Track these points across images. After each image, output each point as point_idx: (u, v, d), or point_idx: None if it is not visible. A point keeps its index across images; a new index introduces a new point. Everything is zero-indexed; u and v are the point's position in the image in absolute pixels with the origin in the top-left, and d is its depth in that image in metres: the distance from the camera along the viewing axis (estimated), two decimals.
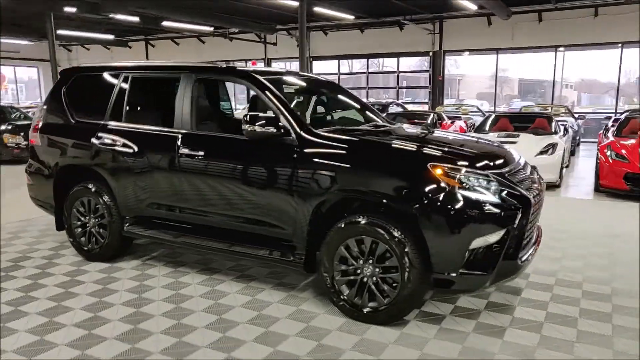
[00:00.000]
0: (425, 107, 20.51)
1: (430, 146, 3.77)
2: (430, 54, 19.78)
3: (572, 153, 12.85)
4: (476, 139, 4.53)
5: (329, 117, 5.03)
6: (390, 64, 23.55)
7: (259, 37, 22.34)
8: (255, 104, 4.16)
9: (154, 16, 15.47)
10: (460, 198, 3.32)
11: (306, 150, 3.75)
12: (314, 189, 3.67)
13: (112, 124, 4.68)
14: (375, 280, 3.54)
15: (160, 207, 4.48)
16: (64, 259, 5.00)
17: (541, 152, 8.57)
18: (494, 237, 3.35)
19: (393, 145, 3.80)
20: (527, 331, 3.50)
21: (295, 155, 3.76)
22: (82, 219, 4.87)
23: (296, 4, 10.23)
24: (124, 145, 4.53)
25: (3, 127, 11.31)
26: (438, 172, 3.37)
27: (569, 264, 4.82)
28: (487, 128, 10.23)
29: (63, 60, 28.52)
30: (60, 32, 18.90)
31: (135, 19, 15.93)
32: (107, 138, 4.63)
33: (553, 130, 9.84)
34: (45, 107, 5.18)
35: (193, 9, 15.07)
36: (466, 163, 3.51)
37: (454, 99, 23.76)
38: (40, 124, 5.10)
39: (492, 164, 3.65)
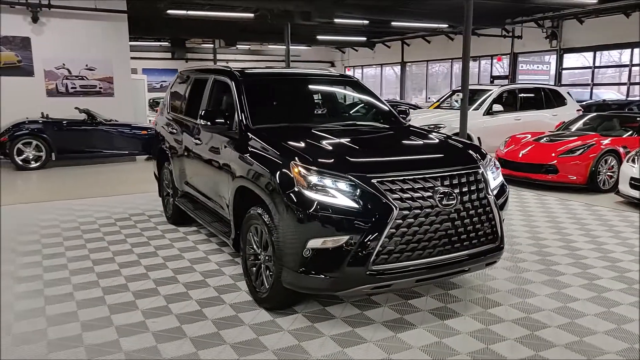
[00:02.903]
0: None
1: (319, 146, 3.81)
2: None
3: None
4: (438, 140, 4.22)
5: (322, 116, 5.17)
6: None
7: (506, 32, 21.17)
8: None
9: (380, 20, 16.53)
10: (302, 197, 3.38)
11: (239, 141, 4.25)
12: (230, 174, 4.21)
13: None
14: (265, 267, 3.85)
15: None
16: None
17: None
18: (334, 241, 3.29)
19: (277, 141, 3.90)
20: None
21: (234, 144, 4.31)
22: None
23: None
24: None
25: None
26: (295, 170, 3.47)
27: None
28: None
29: (337, 61, 32.49)
30: (320, 37, 21.95)
31: (365, 22, 17.32)
32: None
33: None
34: None
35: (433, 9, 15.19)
36: (327, 163, 3.47)
37: None
38: None
39: (371, 167, 3.49)
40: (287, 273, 3.48)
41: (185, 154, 5.45)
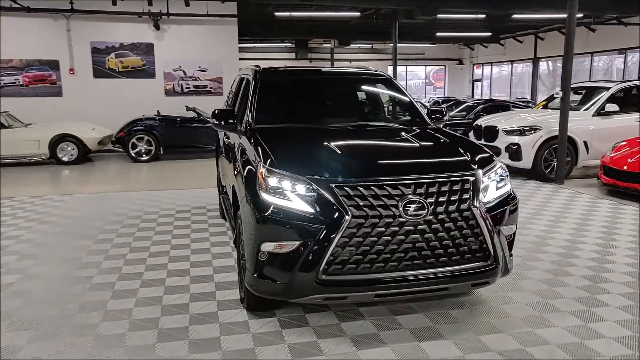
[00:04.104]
0: None
1: (298, 148, 3.70)
2: None
3: None
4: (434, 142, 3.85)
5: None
6: None
7: None
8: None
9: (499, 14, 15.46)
10: (259, 199, 3.29)
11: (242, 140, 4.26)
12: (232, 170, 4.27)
13: None
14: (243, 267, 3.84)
15: None
16: None
17: None
18: (285, 246, 3.16)
19: (261, 142, 3.79)
20: None
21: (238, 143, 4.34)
22: None
23: None
24: None
25: None
26: (259, 172, 3.39)
27: None
28: None
29: (465, 58, 31.05)
30: (439, 34, 21.18)
31: (481, 15, 16.30)
32: None
33: None
34: None
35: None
36: (289, 166, 3.32)
37: None
38: None
39: (334, 171, 3.27)
40: (248, 276, 3.43)
41: (222, 151, 5.63)
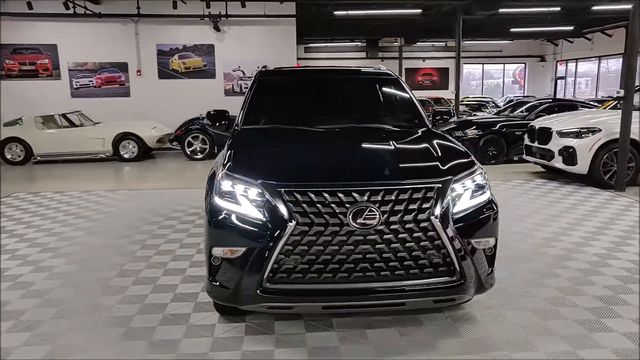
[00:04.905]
0: None
1: (267, 151, 3.63)
2: None
3: None
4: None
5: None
6: None
7: None
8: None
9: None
10: (212, 202, 3.25)
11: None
12: None
13: None
14: None
15: None
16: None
17: None
18: (232, 252, 3.09)
19: (233, 144, 3.75)
20: None
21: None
22: None
23: None
24: None
25: None
26: (218, 175, 3.34)
27: None
28: None
29: (547, 55, 29.26)
30: (513, 30, 20.09)
31: (555, 8, 15.24)
32: None
33: None
34: None
35: None
36: (244, 169, 3.24)
37: None
38: None
39: (285, 175, 3.15)
40: (205, 281, 3.40)
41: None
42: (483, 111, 18.61)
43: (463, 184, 3.22)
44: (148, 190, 8.71)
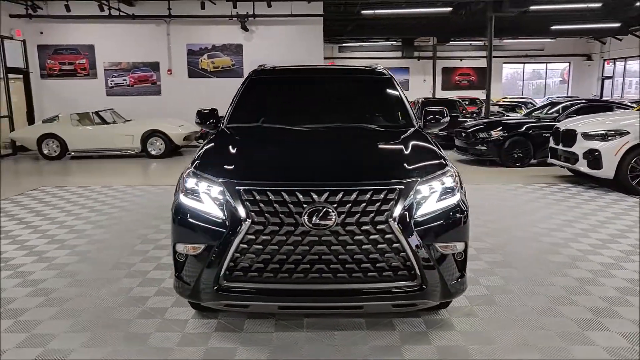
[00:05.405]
0: None
1: (238, 149, 3.62)
2: None
3: None
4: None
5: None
6: None
7: None
8: None
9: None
10: (177, 199, 3.28)
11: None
12: None
13: None
14: None
15: None
16: None
17: None
18: (192, 249, 3.13)
19: (209, 142, 3.80)
20: None
21: None
22: None
23: None
24: None
25: None
26: (184, 173, 3.38)
27: None
28: None
29: (594, 53, 28.10)
30: (554, 27, 19.40)
31: (596, 5, 14.61)
32: None
33: None
34: None
35: None
36: (208, 167, 3.26)
37: None
38: None
39: (243, 174, 3.16)
40: (173, 277, 3.44)
41: None
42: (517, 112, 18.04)
43: (430, 186, 3.13)
44: (167, 187, 8.90)
